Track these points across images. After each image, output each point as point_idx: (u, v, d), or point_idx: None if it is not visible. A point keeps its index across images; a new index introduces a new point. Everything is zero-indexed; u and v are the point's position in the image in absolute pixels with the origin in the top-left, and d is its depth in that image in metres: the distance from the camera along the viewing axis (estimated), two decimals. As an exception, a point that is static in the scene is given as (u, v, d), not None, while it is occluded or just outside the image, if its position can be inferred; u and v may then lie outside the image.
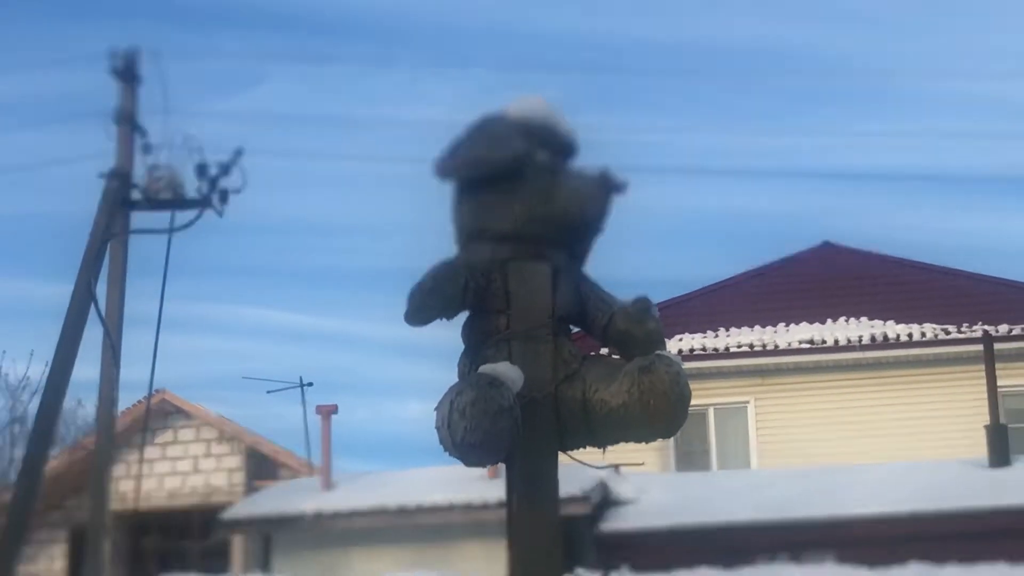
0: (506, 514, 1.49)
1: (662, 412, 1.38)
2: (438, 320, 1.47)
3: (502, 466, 1.49)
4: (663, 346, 1.48)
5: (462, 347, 1.51)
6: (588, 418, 1.44)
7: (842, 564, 9.09)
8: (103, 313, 11.82)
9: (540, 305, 1.45)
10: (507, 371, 1.36)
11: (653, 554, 10.85)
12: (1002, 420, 11.95)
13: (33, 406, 13.52)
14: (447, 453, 1.41)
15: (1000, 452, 11.49)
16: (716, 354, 14.44)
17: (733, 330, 14.79)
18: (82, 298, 11.58)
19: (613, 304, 1.51)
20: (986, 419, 11.84)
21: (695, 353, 14.01)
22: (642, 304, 1.48)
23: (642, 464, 12.68)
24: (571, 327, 1.54)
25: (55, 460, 14.62)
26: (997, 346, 12.57)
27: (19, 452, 14.82)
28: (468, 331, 1.50)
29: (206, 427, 17.37)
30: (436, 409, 1.41)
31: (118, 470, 14.01)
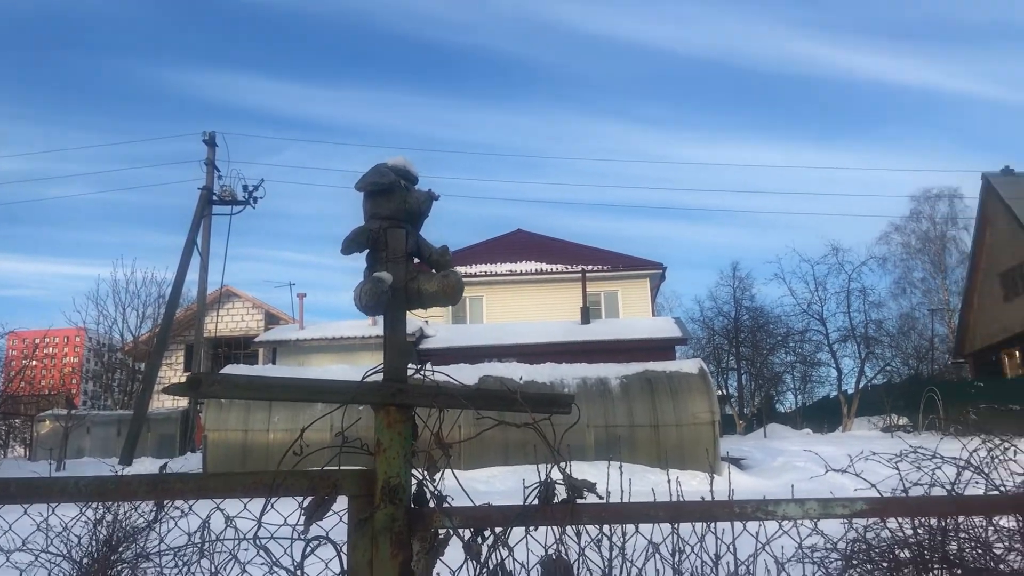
0: (383, 338, 2.19)
1: (452, 295, 2.15)
2: (356, 252, 2.14)
3: (381, 317, 2.17)
4: (451, 266, 2.24)
5: (364, 265, 2.17)
6: (420, 296, 2.16)
7: (520, 363, 17.42)
8: (200, 249, 25.23)
9: (400, 248, 2.13)
10: (384, 275, 2.06)
11: (442, 358, 21.59)
12: (587, 305, 27.47)
13: (167, 291, 29.54)
14: (357, 309, 2.10)
15: (585, 318, 27.01)
16: (472, 275, 28.98)
17: (479, 264, 30.39)
18: (190, 243, 24.60)
19: (432, 248, 2.24)
20: (580, 304, 27.57)
21: (463, 275, 25.55)
22: (443, 249, 2.26)
23: (439, 318, 27.90)
24: (415, 258, 2.24)
25: (179, 313, 27.84)
26: (588, 275, 28.66)
27: (162, 311, 29.19)
28: (368, 258, 2.17)
29: (248, 301, 34.99)
30: (354, 290, 2.06)
31: (208, 319, 28.00)
